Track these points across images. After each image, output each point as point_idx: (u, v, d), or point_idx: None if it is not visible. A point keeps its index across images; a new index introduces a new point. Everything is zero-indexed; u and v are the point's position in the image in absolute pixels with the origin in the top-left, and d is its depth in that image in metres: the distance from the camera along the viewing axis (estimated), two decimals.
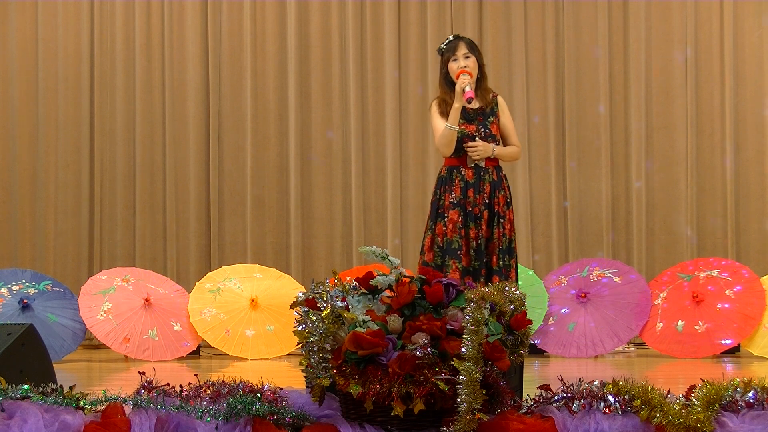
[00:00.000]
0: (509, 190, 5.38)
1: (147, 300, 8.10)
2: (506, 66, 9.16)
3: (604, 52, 9.13)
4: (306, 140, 9.20)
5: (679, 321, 7.90)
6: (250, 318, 8.15)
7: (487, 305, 3.35)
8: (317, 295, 3.40)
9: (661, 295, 8.07)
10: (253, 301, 8.21)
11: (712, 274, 8.07)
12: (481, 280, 5.26)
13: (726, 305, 7.88)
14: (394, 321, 3.33)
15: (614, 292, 8.10)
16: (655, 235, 9.09)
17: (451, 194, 5.28)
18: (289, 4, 9.22)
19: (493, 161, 5.31)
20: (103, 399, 3.34)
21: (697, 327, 7.84)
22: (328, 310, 3.33)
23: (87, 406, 3.34)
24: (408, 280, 3.44)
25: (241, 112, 9.22)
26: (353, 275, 3.60)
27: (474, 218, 5.25)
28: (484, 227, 5.26)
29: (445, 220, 5.26)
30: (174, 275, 8.97)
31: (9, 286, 8.07)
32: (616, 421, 3.23)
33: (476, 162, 5.27)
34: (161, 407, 3.27)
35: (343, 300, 3.40)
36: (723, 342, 7.78)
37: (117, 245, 9.15)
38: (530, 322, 3.53)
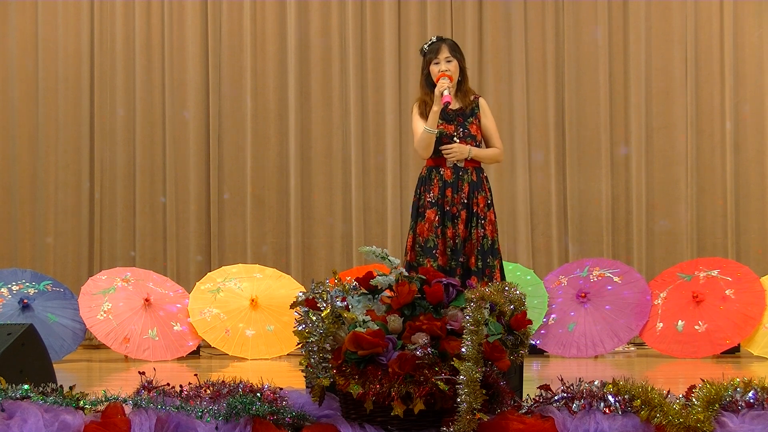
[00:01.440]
0: (490, 191, 5.39)
1: (147, 300, 8.10)
2: (506, 66, 9.16)
3: (604, 52, 9.12)
4: (306, 140, 9.20)
5: (679, 321, 7.90)
6: (250, 318, 8.15)
7: (487, 305, 3.35)
8: (317, 295, 3.40)
9: (661, 295, 8.07)
10: (253, 301, 8.21)
11: (712, 274, 8.07)
12: (456, 279, 5.26)
13: (726, 305, 7.88)
14: (394, 321, 3.33)
15: (614, 292, 8.10)
16: (655, 235, 9.09)
17: (430, 194, 5.31)
18: (289, 4, 9.22)
19: (473, 162, 5.32)
20: (103, 399, 3.34)
21: (697, 327, 7.84)
22: (328, 310, 3.34)
23: (87, 406, 3.34)
24: (408, 280, 3.44)
25: (241, 112, 9.22)
26: (353, 275, 3.60)
27: (451, 218, 5.27)
28: (461, 227, 5.27)
29: (422, 220, 5.29)
30: (174, 275, 8.97)
31: (9, 286, 8.07)
32: (616, 421, 3.23)
33: (455, 162, 5.29)
34: (161, 407, 3.27)
35: (343, 300, 3.40)
36: (723, 342, 7.77)
37: (117, 245, 9.15)
38: (530, 322, 3.53)
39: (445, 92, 5.21)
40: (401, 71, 9.20)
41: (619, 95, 9.17)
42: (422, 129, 5.27)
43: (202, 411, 3.24)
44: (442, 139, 5.29)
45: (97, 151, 9.19)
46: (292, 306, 3.49)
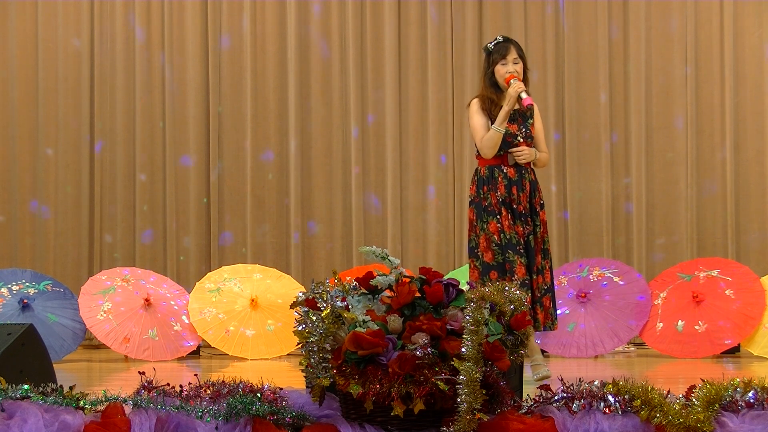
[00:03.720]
0: (541, 192, 5.45)
1: (147, 300, 8.10)
2: None
3: (604, 52, 9.12)
4: (306, 140, 9.20)
5: (679, 321, 7.90)
6: (250, 318, 8.15)
7: (487, 305, 3.35)
8: (317, 295, 3.40)
9: (661, 295, 8.06)
10: (253, 301, 8.21)
11: (712, 274, 8.07)
12: (534, 276, 5.32)
13: (726, 305, 7.88)
14: (394, 321, 3.33)
15: (614, 292, 8.10)
16: (655, 235, 9.09)
17: (497, 192, 5.31)
18: (289, 4, 9.22)
19: (528, 163, 5.39)
20: (103, 399, 3.34)
21: (697, 327, 7.84)
22: (328, 310, 3.33)
23: (87, 406, 3.34)
24: (408, 280, 3.44)
25: (241, 112, 9.22)
26: (353, 275, 3.60)
27: (519, 216, 5.29)
28: (529, 224, 5.32)
29: (498, 217, 5.30)
30: (174, 275, 8.97)
31: (9, 286, 8.07)
32: (616, 421, 3.23)
33: (516, 161, 5.33)
34: (161, 407, 3.27)
35: (343, 300, 3.40)
36: (723, 342, 7.77)
37: (117, 245, 9.15)
38: (530, 322, 3.53)
39: (523, 95, 5.25)
40: (401, 71, 9.20)
41: (619, 95, 9.16)
42: (485, 126, 5.29)
43: (202, 411, 3.24)
44: (506, 138, 5.32)
45: (97, 150, 9.18)
46: (292, 306, 3.49)
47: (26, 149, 9.20)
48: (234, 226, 9.18)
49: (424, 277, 3.45)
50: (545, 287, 5.61)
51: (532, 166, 5.45)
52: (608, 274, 8.20)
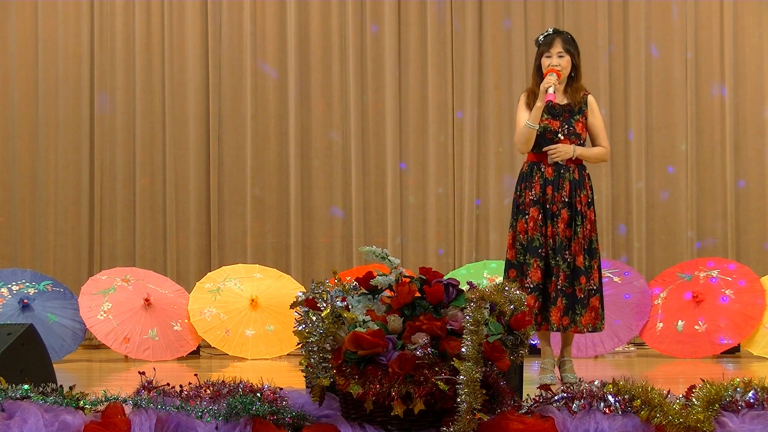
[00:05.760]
0: (592, 189, 5.37)
1: (147, 300, 8.10)
2: (506, 66, 9.16)
3: (604, 52, 9.12)
4: (306, 140, 9.20)
5: (679, 321, 7.90)
6: (250, 318, 8.15)
7: (487, 305, 3.35)
8: (317, 295, 3.40)
9: (661, 295, 8.07)
10: (253, 301, 8.21)
11: (712, 274, 8.07)
12: (561, 278, 5.27)
13: (726, 306, 7.88)
14: (394, 321, 3.33)
15: (614, 292, 8.10)
16: (655, 235, 9.09)
17: (531, 191, 5.26)
18: (289, 4, 9.22)
19: (576, 160, 5.29)
20: (103, 399, 3.34)
21: (697, 327, 7.84)
22: (328, 310, 3.33)
23: (87, 406, 3.34)
24: (408, 280, 3.44)
25: (241, 112, 9.22)
26: (353, 275, 3.60)
27: (552, 216, 5.23)
28: (562, 226, 5.24)
29: (526, 217, 5.26)
30: (174, 275, 8.97)
31: (9, 286, 8.07)
32: (616, 421, 3.23)
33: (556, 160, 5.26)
34: (161, 407, 3.27)
35: (343, 300, 3.40)
36: (723, 342, 7.77)
37: (117, 245, 9.15)
38: (530, 322, 3.53)
39: (550, 89, 5.15)
40: (401, 71, 9.20)
41: (619, 95, 9.16)
42: (524, 122, 5.22)
43: (202, 411, 3.24)
44: (546, 134, 5.25)
45: (97, 151, 9.18)
46: (292, 306, 3.49)
47: (26, 149, 9.20)
48: (234, 226, 9.18)
49: (424, 277, 3.45)
50: (593, 288, 5.50)
51: (585, 161, 5.36)
52: (608, 274, 8.19)
